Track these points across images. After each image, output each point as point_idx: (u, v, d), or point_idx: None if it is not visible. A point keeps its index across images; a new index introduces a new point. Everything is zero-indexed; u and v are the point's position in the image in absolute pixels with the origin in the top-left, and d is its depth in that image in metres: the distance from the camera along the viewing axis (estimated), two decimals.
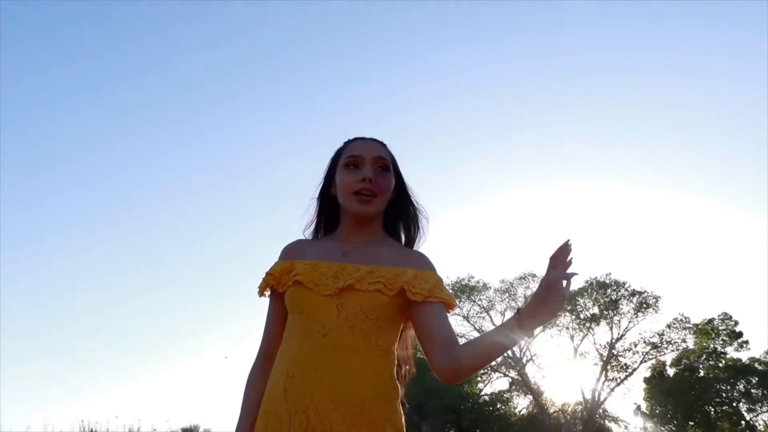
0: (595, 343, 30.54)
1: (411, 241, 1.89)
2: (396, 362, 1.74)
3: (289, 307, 1.73)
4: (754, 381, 27.65)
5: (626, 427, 33.26)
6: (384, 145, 1.87)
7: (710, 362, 29.26)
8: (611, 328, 30.27)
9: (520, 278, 31.47)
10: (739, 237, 42.21)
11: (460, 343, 1.62)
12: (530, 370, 31.16)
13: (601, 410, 30.58)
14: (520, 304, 31.16)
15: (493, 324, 31.24)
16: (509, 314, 31.13)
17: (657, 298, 29.78)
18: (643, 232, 46.30)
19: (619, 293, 30.07)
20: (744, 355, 28.89)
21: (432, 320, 1.66)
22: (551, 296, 1.44)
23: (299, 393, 1.59)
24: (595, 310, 30.45)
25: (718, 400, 28.40)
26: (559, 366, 45.30)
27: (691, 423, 28.28)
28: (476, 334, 30.87)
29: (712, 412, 28.19)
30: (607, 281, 30.34)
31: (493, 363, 31.64)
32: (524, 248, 54.36)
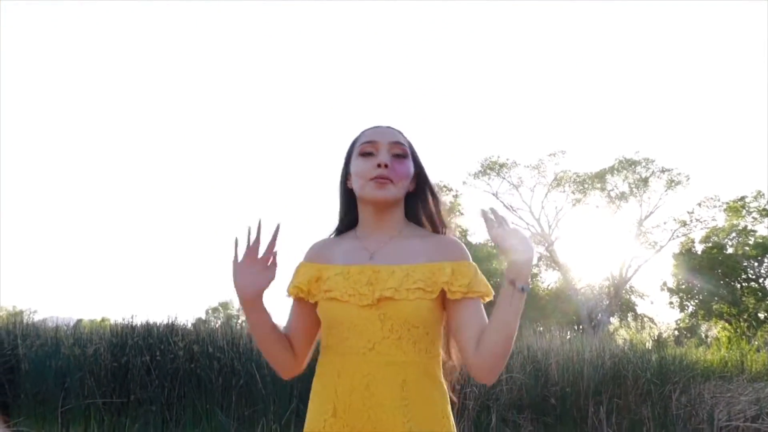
0: (624, 220, 30.66)
1: (436, 231, 1.79)
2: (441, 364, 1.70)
3: (325, 322, 1.69)
4: None
5: (652, 303, 33.92)
6: (400, 132, 1.76)
7: (739, 240, 29.30)
8: (641, 206, 30.31)
9: (550, 155, 31.29)
10: None
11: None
12: (559, 246, 31.53)
13: (627, 286, 31.08)
14: (549, 181, 31.18)
15: (523, 201, 31.44)
16: (539, 190, 31.38)
17: (687, 176, 29.61)
18: (675, 107, 45.42)
19: (649, 170, 29.86)
20: None
21: (469, 317, 1.61)
22: (510, 246, 1.48)
23: (352, 412, 1.58)
24: (625, 187, 30.38)
25: (744, 276, 28.61)
26: (588, 243, 45.80)
27: (716, 298, 28.63)
28: (506, 212, 31.22)
29: (738, 288, 28.46)
30: (637, 159, 30.10)
31: None
32: (555, 125, 53.78)
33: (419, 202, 1.79)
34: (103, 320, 36.61)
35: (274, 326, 1.77)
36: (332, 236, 1.85)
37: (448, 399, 1.67)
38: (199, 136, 76.39)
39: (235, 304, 61.55)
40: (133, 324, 10.69)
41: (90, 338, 10.32)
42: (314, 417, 1.67)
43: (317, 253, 1.79)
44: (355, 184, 1.72)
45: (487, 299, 1.68)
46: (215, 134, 76.10)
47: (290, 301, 1.82)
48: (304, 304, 1.75)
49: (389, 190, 1.67)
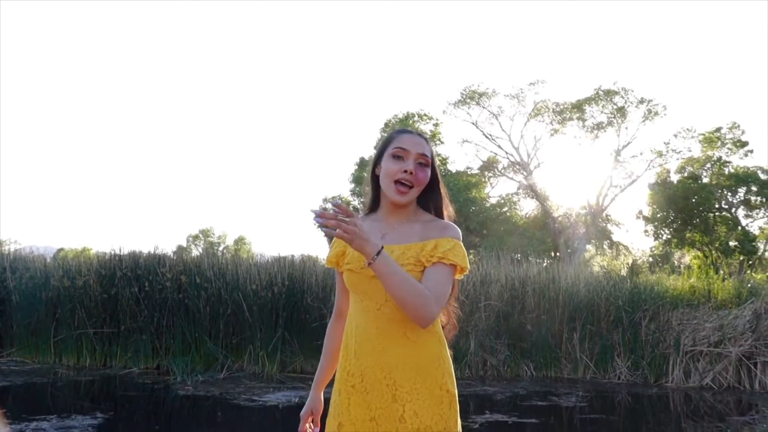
0: (601, 150, 30.91)
1: (440, 216, 2.17)
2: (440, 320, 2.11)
3: (347, 286, 2.12)
4: (754, 189, 28.18)
5: (627, 231, 34.64)
6: (428, 141, 2.13)
7: (714, 170, 29.72)
8: (618, 136, 30.57)
9: (530, 84, 31.29)
10: (752, 43, 41.26)
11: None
12: (537, 175, 31.84)
13: (604, 215, 31.58)
14: (528, 111, 31.30)
15: (503, 130, 31.60)
16: (518, 120, 31.51)
17: (664, 107, 29.85)
18: (653, 38, 45.27)
19: (627, 100, 30.02)
20: (749, 163, 29.36)
21: (431, 276, 1.94)
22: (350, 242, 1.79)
23: (366, 355, 1.99)
24: (603, 118, 30.56)
25: (717, 206, 29.10)
26: (566, 171, 46.29)
27: (690, 227, 29.19)
28: (485, 141, 31.41)
29: (711, 218, 28.97)
30: (615, 89, 30.23)
31: (500, 167, 32.49)
32: (535, 54, 53.47)
33: (430, 195, 2.16)
34: (84, 250, 36.68)
35: (329, 369, 2.31)
36: (363, 214, 2.23)
37: (445, 345, 2.07)
38: (181, 70, 75.12)
39: (216, 231, 61.71)
40: (120, 255, 10.85)
41: (79, 270, 10.47)
42: (343, 356, 2.10)
43: None
44: (382, 180, 2.09)
45: (464, 272, 2.03)
46: (197, 67, 74.85)
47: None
48: (341, 273, 2.19)
49: (407, 196, 2.05)
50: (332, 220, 1.74)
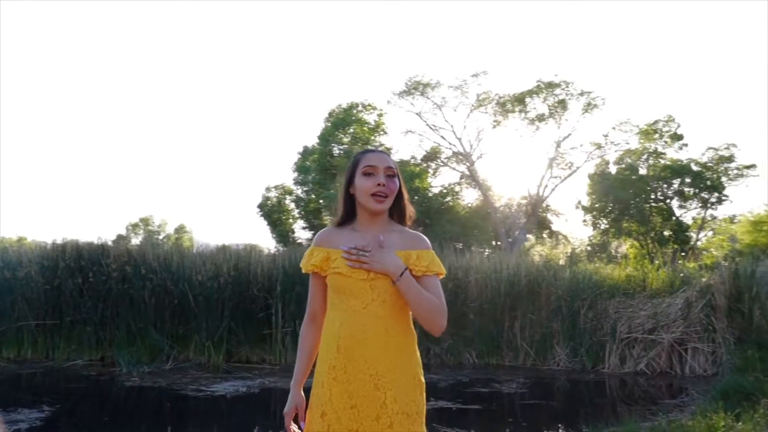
0: (542, 142, 31.48)
1: (404, 223, 2.45)
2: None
3: (332, 288, 2.33)
4: (688, 180, 29.11)
5: (566, 221, 35.47)
6: (389, 156, 2.43)
7: (650, 162, 30.56)
8: (559, 128, 31.18)
9: (473, 75, 31.63)
10: (688, 38, 42.46)
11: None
12: (479, 165, 32.24)
13: (544, 205, 32.21)
14: (471, 102, 31.67)
15: (446, 120, 31.90)
16: (462, 110, 31.80)
17: (603, 99, 30.55)
18: (591, 30, 46.16)
19: (567, 92, 30.62)
20: (683, 156, 30.30)
21: (427, 287, 2.27)
22: (381, 267, 2.23)
23: (350, 349, 2.23)
24: (544, 109, 31.10)
25: (653, 197, 29.94)
26: (507, 162, 47.07)
27: (627, 217, 29.98)
28: (429, 131, 31.63)
29: (647, 208, 29.79)
30: (556, 81, 30.81)
31: (444, 157, 32.84)
32: (478, 45, 54.06)
33: (396, 203, 2.43)
34: (20, 240, 35.73)
35: (306, 368, 2.47)
36: (333, 227, 2.49)
37: (416, 340, 2.38)
38: (120, 55, 73.59)
39: (156, 219, 60.79)
40: (63, 245, 10.68)
41: (19, 261, 10.28)
42: (324, 352, 2.32)
43: (325, 240, 2.44)
44: (359, 195, 2.36)
45: (441, 276, 2.35)
46: (137, 52, 73.45)
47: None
48: (319, 277, 2.42)
49: (385, 204, 2.34)
50: (354, 255, 2.23)
